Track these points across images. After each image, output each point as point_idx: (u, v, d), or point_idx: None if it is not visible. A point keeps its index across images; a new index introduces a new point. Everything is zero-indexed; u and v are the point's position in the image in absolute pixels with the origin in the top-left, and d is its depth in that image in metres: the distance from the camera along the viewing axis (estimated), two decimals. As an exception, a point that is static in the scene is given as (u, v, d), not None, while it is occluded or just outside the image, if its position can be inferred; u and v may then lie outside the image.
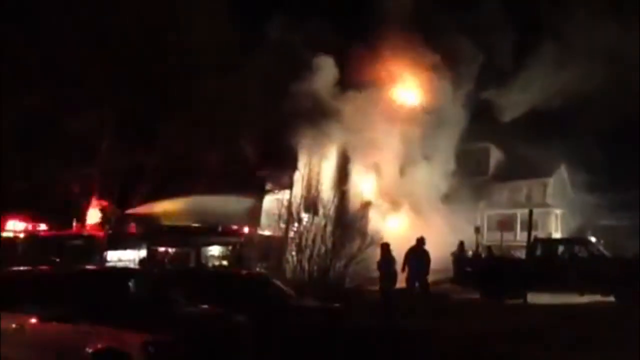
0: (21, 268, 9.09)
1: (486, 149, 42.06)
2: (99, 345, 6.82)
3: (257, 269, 16.78)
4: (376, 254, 14.91)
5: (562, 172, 41.74)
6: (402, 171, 27.06)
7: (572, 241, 18.04)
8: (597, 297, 14.65)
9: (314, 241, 16.35)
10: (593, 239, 21.36)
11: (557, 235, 36.12)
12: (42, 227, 18.72)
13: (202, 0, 24.11)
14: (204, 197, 21.51)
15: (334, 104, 25.31)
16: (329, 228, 16.69)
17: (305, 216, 17.49)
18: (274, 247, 18.61)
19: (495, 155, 42.66)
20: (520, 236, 33.80)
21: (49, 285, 7.88)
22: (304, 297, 11.97)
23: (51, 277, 8.36)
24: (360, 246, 16.47)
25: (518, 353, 9.64)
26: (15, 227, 17.99)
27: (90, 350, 6.82)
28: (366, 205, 21.47)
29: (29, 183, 21.07)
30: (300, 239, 16.74)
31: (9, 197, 19.44)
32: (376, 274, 14.75)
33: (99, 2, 22.07)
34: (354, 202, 19.77)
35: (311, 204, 17.78)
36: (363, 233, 17.63)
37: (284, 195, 20.42)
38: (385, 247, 14.49)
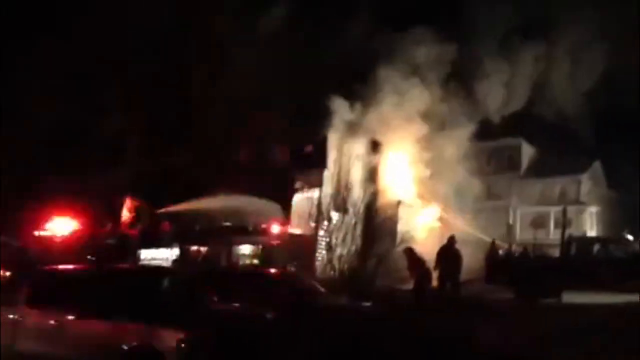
0: (58, 267, 9.29)
1: (518, 145, 41.44)
2: (134, 342, 6.96)
3: (288, 268, 16.84)
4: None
5: (597, 168, 40.87)
6: (434, 168, 26.77)
7: (608, 239, 17.67)
8: (635, 297, 14.30)
9: (344, 240, 16.34)
10: (630, 237, 20.88)
11: (592, 233, 35.41)
12: (78, 227, 19.12)
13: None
14: (234, 196, 21.67)
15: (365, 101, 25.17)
16: (359, 227, 16.65)
17: (335, 215, 17.49)
18: (304, 246, 18.66)
19: (528, 152, 41.99)
20: (554, 234, 33.25)
21: (85, 284, 8.05)
22: (335, 296, 11.97)
23: (87, 275, 8.54)
24: (390, 246, 16.40)
25: (552, 355, 9.49)
26: (53, 227, 18.42)
27: (125, 347, 6.96)
28: (396, 204, 21.37)
29: (64, 184, 21.53)
30: (330, 237, 16.75)
31: (45, 198, 19.92)
32: (407, 273, 14.68)
33: (126, 6, 22.41)
34: (384, 201, 19.67)
35: (341, 202, 17.76)
36: (393, 232, 17.55)
37: (314, 193, 20.45)
38: (409, 252, 14.40)
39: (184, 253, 18.47)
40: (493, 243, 21.59)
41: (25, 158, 21.03)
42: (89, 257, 15.40)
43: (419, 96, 25.82)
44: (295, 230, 20.90)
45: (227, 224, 21.04)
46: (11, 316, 7.98)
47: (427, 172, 26.63)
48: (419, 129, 25.89)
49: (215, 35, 23.38)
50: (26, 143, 21.12)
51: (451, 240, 16.03)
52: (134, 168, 23.61)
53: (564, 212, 16.99)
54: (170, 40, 22.48)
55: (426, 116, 26.05)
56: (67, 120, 21.93)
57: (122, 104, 22.67)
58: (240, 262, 19.74)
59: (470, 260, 17.46)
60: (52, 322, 7.65)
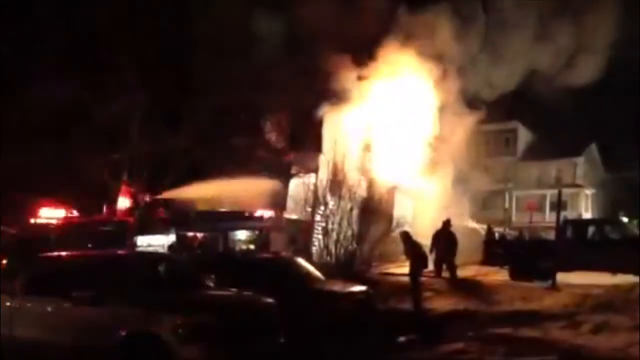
0: (55, 253, 9.31)
1: (514, 128, 41.49)
2: (132, 328, 7.00)
3: (284, 253, 16.90)
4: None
5: (593, 150, 41.01)
6: (432, 152, 26.70)
7: (603, 222, 17.74)
8: (629, 278, 14.42)
9: (340, 224, 16.39)
10: (625, 219, 20.99)
11: (587, 215, 35.61)
12: (74, 213, 19.11)
13: None
14: (230, 182, 21.65)
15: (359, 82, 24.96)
16: (355, 211, 16.69)
17: (331, 200, 17.51)
18: (301, 231, 18.70)
19: (524, 135, 42.06)
20: (550, 217, 33.39)
21: (82, 270, 8.07)
22: (332, 281, 12.03)
23: (84, 262, 8.57)
24: (386, 230, 16.46)
25: (546, 335, 9.61)
26: (48, 214, 18.41)
27: (123, 333, 7.01)
28: (392, 189, 21.39)
29: (60, 170, 21.45)
30: (327, 222, 16.80)
31: (40, 184, 19.87)
32: (403, 257, 14.76)
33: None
34: (380, 186, 19.69)
35: (337, 187, 17.77)
36: (389, 217, 17.60)
37: (310, 178, 20.44)
38: (405, 235, 14.43)
39: (180, 239, 18.50)
40: (489, 227, 21.74)
41: (19, 142, 20.93)
42: (85, 243, 15.41)
43: (421, 79, 25.64)
44: (291, 215, 20.92)
45: (223, 209, 21.06)
46: (9, 303, 8.01)
47: (425, 157, 26.60)
48: (419, 112, 25.79)
49: (214, 13, 23.04)
50: (21, 127, 21.02)
51: (446, 224, 16.11)
52: (131, 153, 23.52)
53: (559, 194, 17.00)
54: (172, 26, 22.25)
55: (428, 99, 25.90)
56: (63, 104, 21.76)
57: (120, 88, 22.49)
58: (237, 248, 19.80)
59: (466, 243, 17.57)
60: (49, 308, 7.69)
